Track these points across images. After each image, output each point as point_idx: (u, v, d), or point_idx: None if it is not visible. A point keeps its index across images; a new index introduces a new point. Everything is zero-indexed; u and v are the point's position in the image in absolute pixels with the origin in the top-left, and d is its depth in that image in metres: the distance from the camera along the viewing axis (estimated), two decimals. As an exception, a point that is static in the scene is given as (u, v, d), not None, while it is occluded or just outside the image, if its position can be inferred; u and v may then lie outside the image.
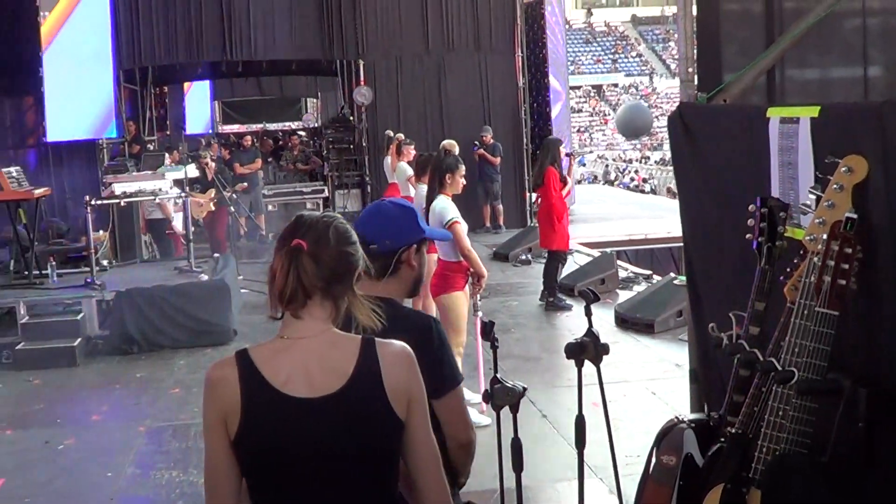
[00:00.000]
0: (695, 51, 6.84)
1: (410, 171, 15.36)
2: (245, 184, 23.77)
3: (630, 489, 5.73)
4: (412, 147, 17.97)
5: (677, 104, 6.47)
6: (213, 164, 21.20)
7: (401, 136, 19.33)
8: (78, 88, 22.11)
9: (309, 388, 3.38)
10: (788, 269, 4.56)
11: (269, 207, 25.28)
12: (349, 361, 3.41)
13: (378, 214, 4.45)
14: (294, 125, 38.74)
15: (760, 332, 4.72)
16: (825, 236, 4.20)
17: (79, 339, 14.37)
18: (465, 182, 10.60)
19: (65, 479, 9.80)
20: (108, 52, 22.61)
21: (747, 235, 4.74)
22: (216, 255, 18.45)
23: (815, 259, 4.25)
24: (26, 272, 16.25)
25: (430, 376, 3.95)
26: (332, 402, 3.37)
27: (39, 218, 17.51)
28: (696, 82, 6.67)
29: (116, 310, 14.73)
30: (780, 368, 4.31)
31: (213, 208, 20.68)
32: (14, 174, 16.58)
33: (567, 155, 17.03)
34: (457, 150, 12.31)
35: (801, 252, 4.43)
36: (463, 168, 10.57)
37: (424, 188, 11.20)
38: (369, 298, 3.67)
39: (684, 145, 6.20)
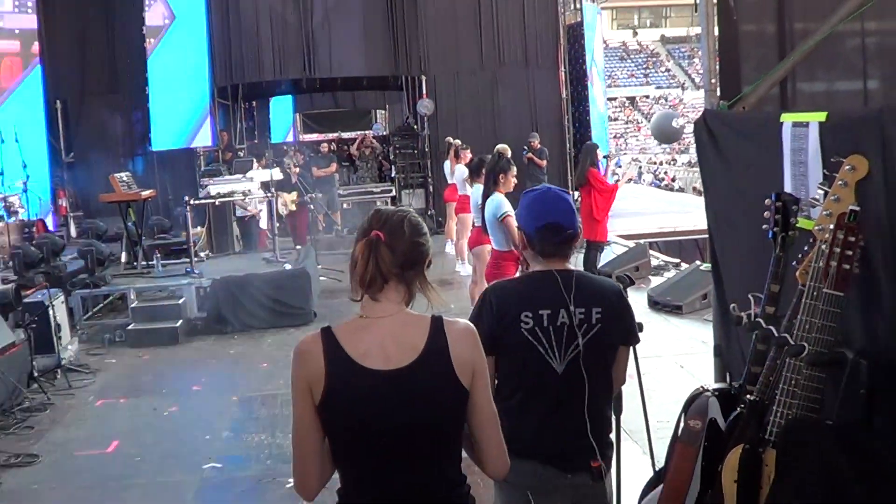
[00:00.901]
0: (717, 65, 6.82)
1: (467, 173, 15.40)
2: (333, 165, 24.20)
3: (660, 450, 5.72)
4: (468, 152, 17.96)
5: (702, 112, 6.44)
6: (297, 169, 21.25)
7: (458, 142, 19.30)
8: (178, 104, 22.33)
9: (385, 362, 3.39)
10: (800, 256, 4.54)
11: (344, 205, 25.31)
12: (420, 338, 3.43)
13: (561, 201, 4.49)
14: (365, 134, 38.81)
15: (775, 311, 4.69)
16: (832, 226, 4.18)
17: (180, 321, 14.51)
18: (515, 181, 10.57)
19: (169, 441, 9.90)
20: (205, 72, 22.78)
21: (764, 226, 4.71)
22: (298, 247, 18.49)
23: (823, 246, 4.23)
24: (135, 263, 16.45)
25: (622, 328, 4.46)
26: (406, 374, 3.38)
27: (146, 216, 17.70)
28: (718, 92, 6.65)
29: (212, 295, 14.85)
30: (792, 343, 4.29)
31: (295, 207, 20.75)
32: (125, 178, 16.75)
33: (605, 157, 17.00)
34: (509, 154, 12.25)
35: (811, 241, 4.41)
36: (514, 169, 10.56)
37: (480, 187, 11.18)
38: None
39: (709, 148, 6.17)
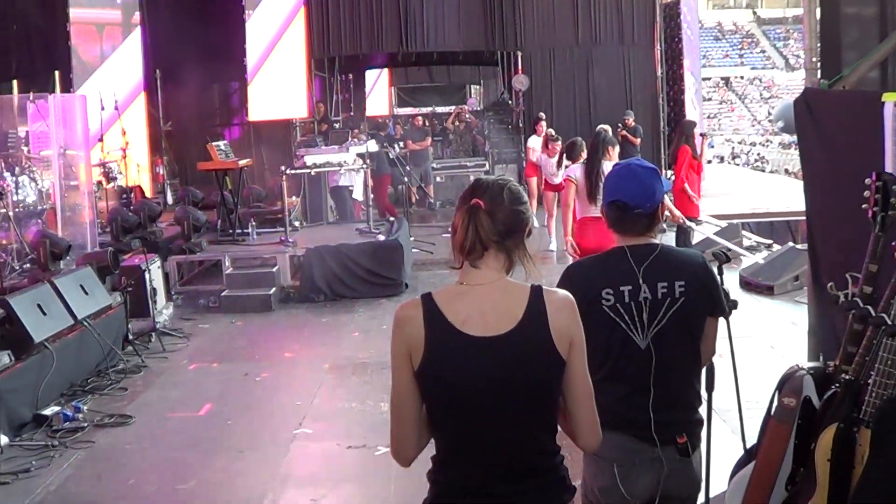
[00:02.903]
0: (818, 44, 6.74)
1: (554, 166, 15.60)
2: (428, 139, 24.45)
3: (750, 430, 5.68)
4: (558, 144, 17.67)
5: (802, 90, 6.37)
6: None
7: (551, 131, 19.10)
8: (276, 75, 22.48)
9: (484, 328, 3.38)
10: (900, 236, 4.48)
11: (437, 179, 25.37)
12: (519, 306, 3.41)
13: (633, 180, 4.43)
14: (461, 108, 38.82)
15: (873, 291, 4.63)
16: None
17: (274, 289, 14.64)
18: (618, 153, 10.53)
19: (261, 405, 10.02)
20: (302, 44, 22.91)
21: (863, 206, 4.65)
22: (391, 218, 18.54)
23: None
24: (231, 231, 16.59)
25: (708, 300, 4.37)
26: (504, 341, 3.36)
27: (242, 185, 17.83)
28: (818, 72, 6.58)
29: (306, 264, 14.94)
30: (890, 323, 4.24)
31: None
32: (222, 147, 16.91)
33: (700, 135, 16.84)
34: (610, 132, 12.20)
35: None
36: (617, 145, 10.57)
37: (576, 167, 11.02)
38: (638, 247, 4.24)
39: (808, 126, 6.10)
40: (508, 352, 3.36)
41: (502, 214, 3.43)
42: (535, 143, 20.22)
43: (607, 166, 9.51)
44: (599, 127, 12.45)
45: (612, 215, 4.43)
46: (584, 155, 10.85)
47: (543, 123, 20.59)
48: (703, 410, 4.54)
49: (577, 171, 10.25)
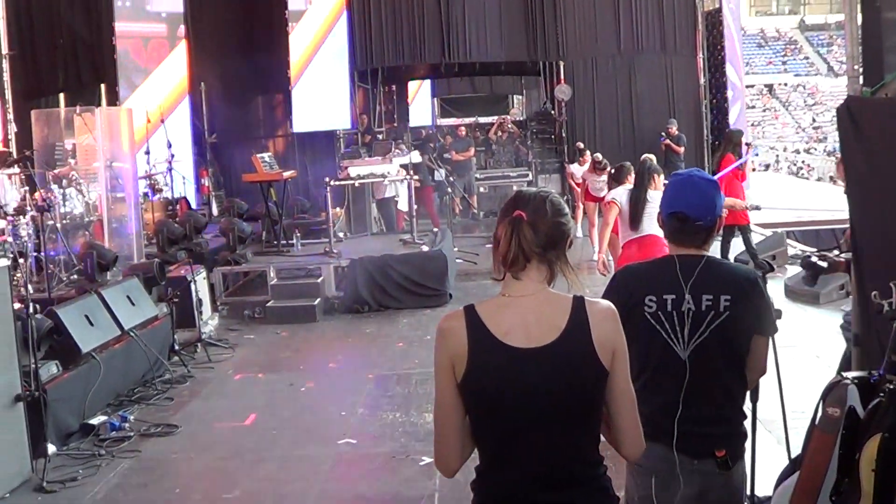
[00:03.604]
0: (860, 51, 6.71)
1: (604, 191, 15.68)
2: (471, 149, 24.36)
3: (795, 440, 5.65)
4: (606, 170, 17.60)
5: (845, 98, 6.33)
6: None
7: (598, 156, 18.97)
8: (319, 86, 22.55)
9: (527, 339, 3.38)
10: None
11: (481, 189, 25.38)
12: (562, 317, 3.41)
13: (695, 191, 4.41)
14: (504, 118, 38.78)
15: (918, 300, 4.61)
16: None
17: (318, 299, 14.70)
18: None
19: (305, 416, 10.05)
20: (345, 56, 22.96)
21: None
22: (435, 229, 18.56)
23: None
24: (275, 242, 16.68)
25: (755, 317, 4.31)
26: (547, 352, 3.36)
27: (287, 196, 17.94)
28: (860, 79, 6.54)
29: (350, 275, 14.98)
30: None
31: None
32: (266, 159, 17.00)
33: (746, 144, 16.81)
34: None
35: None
36: (662, 175, 10.45)
37: (621, 189, 10.94)
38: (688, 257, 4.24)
39: (851, 133, 6.06)
40: (551, 363, 3.36)
41: (544, 226, 3.43)
42: (577, 170, 20.21)
43: (652, 195, 9.50)
44: (644, 156, 12.45)
45: (672, 226, 4.41)
46: (631, 178, 10.79)
47: (588, 154, 20.35)
48: (746, 423, 4.51)
49: (622, 195, 10.20)
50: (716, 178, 13.27)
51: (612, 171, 12.86)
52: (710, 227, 4.36)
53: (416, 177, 18.40)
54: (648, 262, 4.61)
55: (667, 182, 4.75)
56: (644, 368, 4.29)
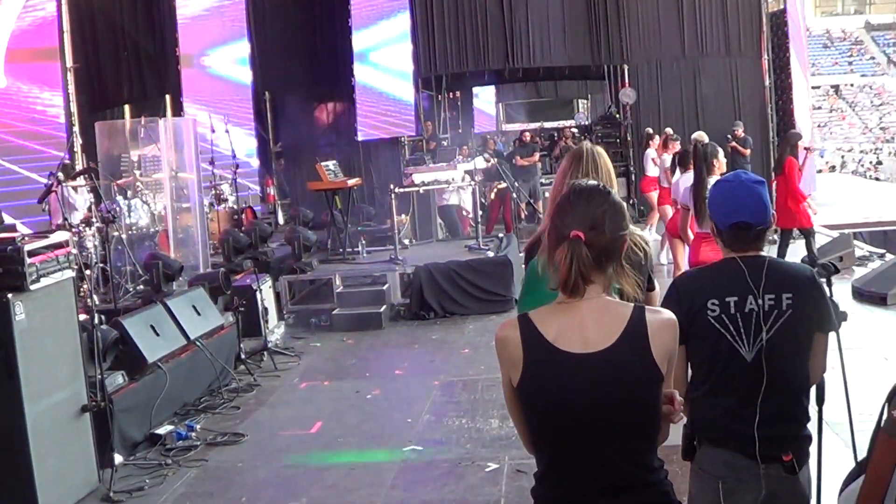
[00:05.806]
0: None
1: (668, 163, 15.29)
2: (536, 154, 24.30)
3: (862, 443, 5.51)
4: (678, 142, 17.73)
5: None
6: (493, 161, 21.14)
7: (669, 130, 19.01)
8: (384, 94, 22.59)
9: (583, 345, 3.31)
10: None
11: (546, 194, 25.25)
12: (619, 324, 3.34)
13: (751, 197, 4.32)
14: (567, 123, 38.71)
15: None
16: None
17: (384, 306, 14.68)
18: (725, 161, 10.23)
19: (371, 423, 10.00)
20: (409, 63, 22.95)
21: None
22: (500, 235, 18.49)
23: None
24: (341, 250, 16.66)
25: (816, 314, 4.27)
26: (601, 358, 3.30)
27: (352, 203, 17.91)
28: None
29: (416, 282, 14.94)
30: None
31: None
32: (331, 167, 16.99)
33: (805, 149, 16.64)
34: (706, 139, 12.00)
35: None
36: (721, 151, 10.24)
37: (688, 175, 10.87)
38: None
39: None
40: (607, 368, 3.29)
41: (603, 242, 3.34)
42: (651, 153, 20.09)
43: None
44: (695, 137, 12.17)
45: (735, 235, 4.33)
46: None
47: (657, 137, 20.41)
48: (811, 426, 4.41)
49: (686, 193, 10.06)
50: (797, 184, 13.15)
51: (679, 157, 12.72)
52: (768, 227, 4.35)
53: (499, 184, 18.34)
54: (707, 267, 4.53)
55: (711, 189, 4.63)
56: (710, 373, 4.24)
